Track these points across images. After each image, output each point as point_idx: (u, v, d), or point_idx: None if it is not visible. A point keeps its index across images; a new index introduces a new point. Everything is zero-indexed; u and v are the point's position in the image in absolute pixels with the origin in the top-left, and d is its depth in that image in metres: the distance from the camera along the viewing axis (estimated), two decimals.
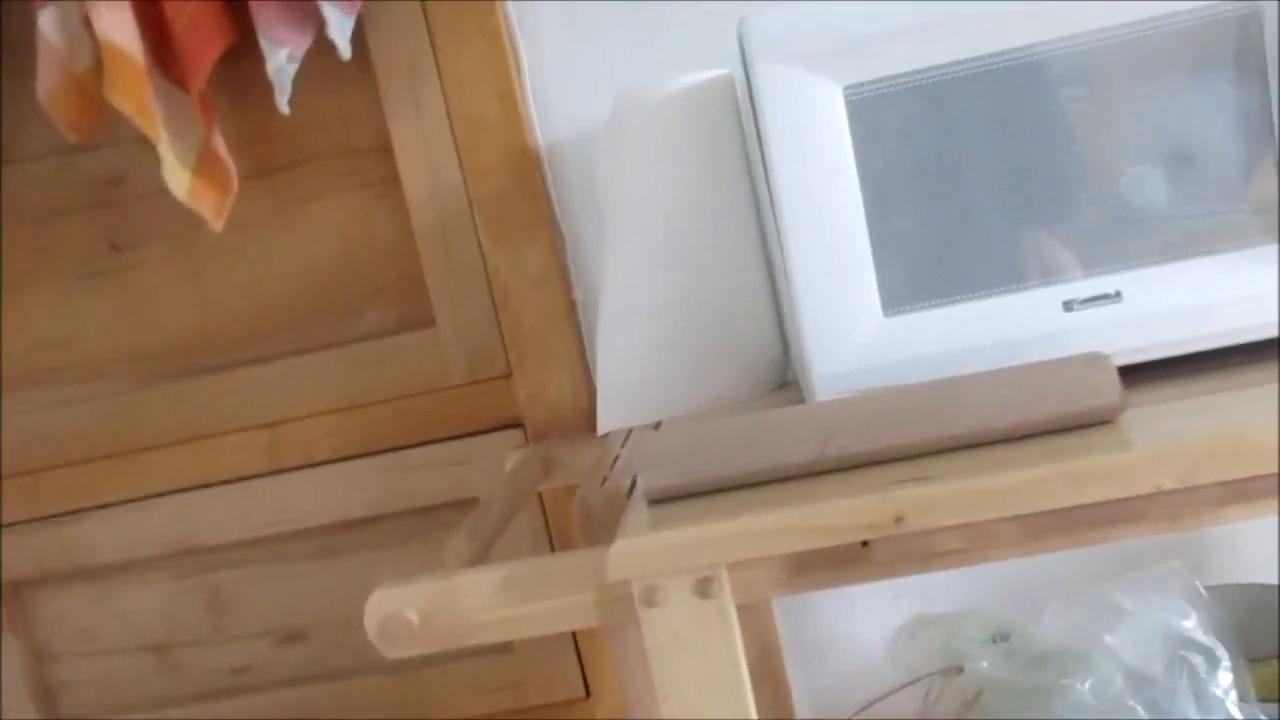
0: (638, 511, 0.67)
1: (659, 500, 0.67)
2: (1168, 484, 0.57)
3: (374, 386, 1.12)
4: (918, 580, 0.99)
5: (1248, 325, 0.68)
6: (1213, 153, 0.68)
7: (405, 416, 1.12)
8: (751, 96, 0.70)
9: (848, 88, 0.70)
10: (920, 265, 0.71)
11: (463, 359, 1.10)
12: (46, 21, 1.01)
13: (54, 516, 1.15)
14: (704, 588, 0.62)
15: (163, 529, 1.15)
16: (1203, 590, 0.88)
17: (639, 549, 0.61)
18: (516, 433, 1.11)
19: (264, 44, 0.99)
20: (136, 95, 0.98)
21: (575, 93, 1.07)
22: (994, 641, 0.93)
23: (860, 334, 0.71)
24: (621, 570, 0.62)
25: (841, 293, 0.71)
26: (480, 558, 0.79)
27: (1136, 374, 0.69)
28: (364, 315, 1.13)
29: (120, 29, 0.98)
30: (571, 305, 1.09)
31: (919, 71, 0.69)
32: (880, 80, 0.69)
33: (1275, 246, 0.68)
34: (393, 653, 0.68)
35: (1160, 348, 0.69)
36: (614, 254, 0.97)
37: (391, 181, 1.10)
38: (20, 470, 1.15)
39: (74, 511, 1.15)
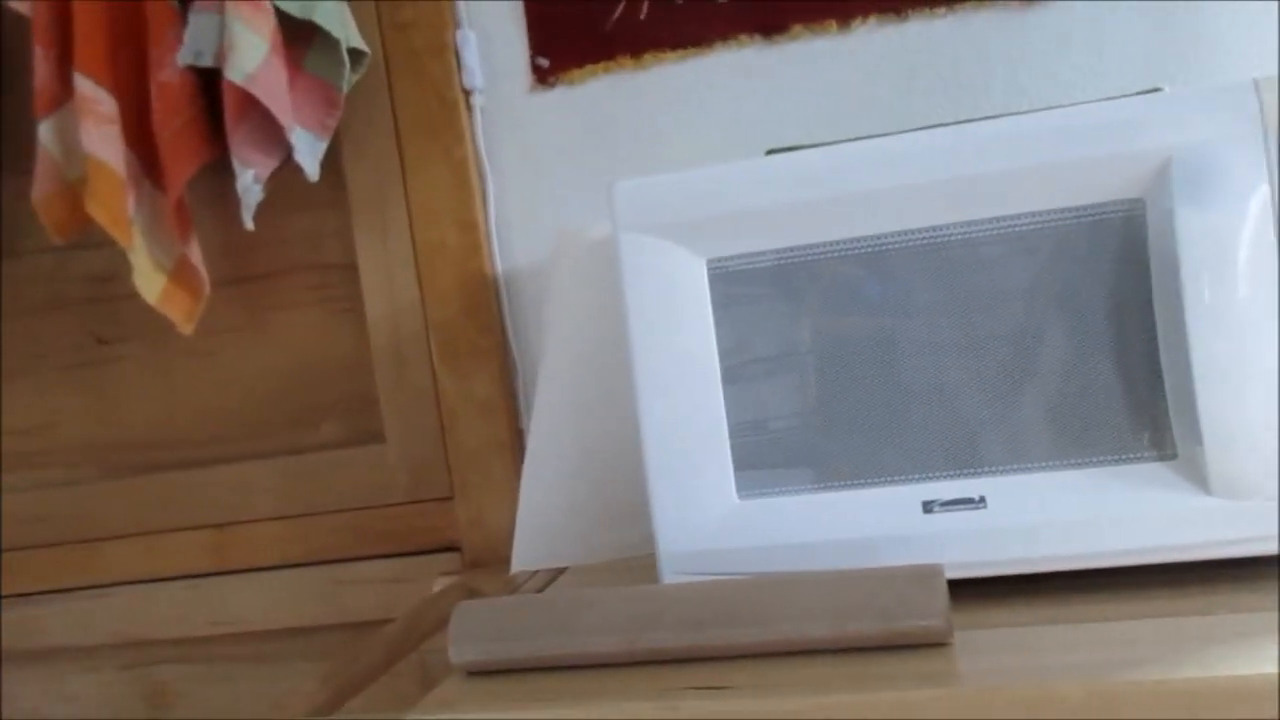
0: (451, 681, 0.65)
1: (474, 672, 0.65)
2: None
3: (321, 497, 1.13)
4: None
5: (1120, 548, 0.62)
6: (1095, 353, 0.63)
7: (348, 530, 1.12)
8: (618, 263, 0.69)
9: (711, 260, 0.68)
10: (778, 449, 0.68)
11: (407, 478, 1.10)
12: (45, 132, 1.07)
13: (13, 597, 1.19)
14: None
15: (112, 619, 1.17)
16: None
17: None
18: (454, 556, 1.10)
19: (235, 163, 1.03)
20: (112, 207, 1.03)
21: (537, 225, 1.08)
22: None
23: (712, 516, 0.68)
24: None
25: (696, 470, 0.68)
26: (333, 705, 0.78)
27: (995, 587, 0.64)
28: (319, 426, 1.14)
29: (105, 144, 1.03)
30: (518, 434, 1.09)
31: (787, 250, 0.67)
32: (746, 255, 0.67)
33: (1158, 465, 0.63)
34: None
35: (1022, 563, 0.64)
36: (543, 393, 0.96)
37: (355, 299, 1.12)
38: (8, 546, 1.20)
39: (33, 594, 1.18)
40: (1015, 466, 0.64)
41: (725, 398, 0.68)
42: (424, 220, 1.08)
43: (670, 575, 0.69)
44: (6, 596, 1.18)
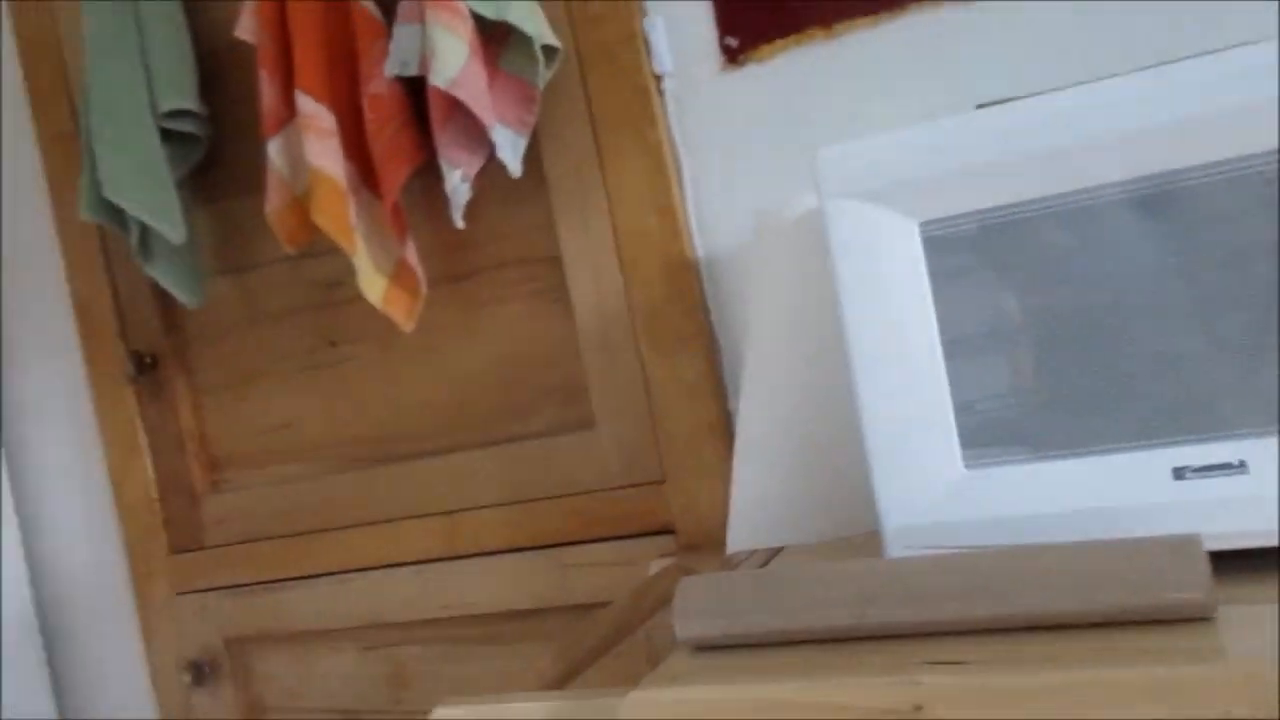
0: (677, 656, 0.66)
1: (701, 648, 0.65)
2: (1240, 712, 0.48)
3: (541, 483, 1.17)
4: None
5: None
6: None
7: (567, 514, 1.15)
8: (826, 234, 0.67)
9: (924, 224, 0.65)
10: (1007, 415, 0.65)
11: (619, 463, 1.13)
12: (274, 150, 1.15)
13: (267, 583, 1.29)
14: None
15: (355, 603, 1.25)
16: None
17: (649, 701, 0.60)
18: (670, 539, 1.11)
19: (442, 165, 1.07)
20: (336, 215, 1.10)
21: (736, 206, 1.07)
22: None
23: (938, 488, 0.66)
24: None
25: (919, 441, 0.66)
26: (566, 679, 0.80)
27: (1260, 560, 0.59)
28: (533, 415, 1.18)
29: (326, 157, 1.10)
30: (727, 416, 1.09)
31: (1001, 208, 0.64)
32: (959, 216, 0.65)
33: None
34: None
35: None
36: (750, 375, 0.96)
37: (561, 289, 1.15)
38: (241, 539, 1.30)
39: (282, 580, 1.28)
40: (1274, 429, 0.59)
41: (946, 362, 0.65)
42: (623, 208, 1.09)
43: (896, 550, 0.67)
44: (261, 583, 1.28)
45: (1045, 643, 0.55)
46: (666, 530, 1.11)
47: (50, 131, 1.35)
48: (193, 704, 1.35)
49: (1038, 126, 0.63)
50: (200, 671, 1.33)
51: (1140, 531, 0.60)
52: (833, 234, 0.67)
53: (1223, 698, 0.49)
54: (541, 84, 1.06)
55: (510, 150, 1.06)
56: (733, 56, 1.05)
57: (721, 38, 1.06)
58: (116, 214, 1.21)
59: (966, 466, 0.66)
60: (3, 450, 1.42)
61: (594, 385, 1.13)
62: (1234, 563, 0.60)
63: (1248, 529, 0.59)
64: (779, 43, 1.03)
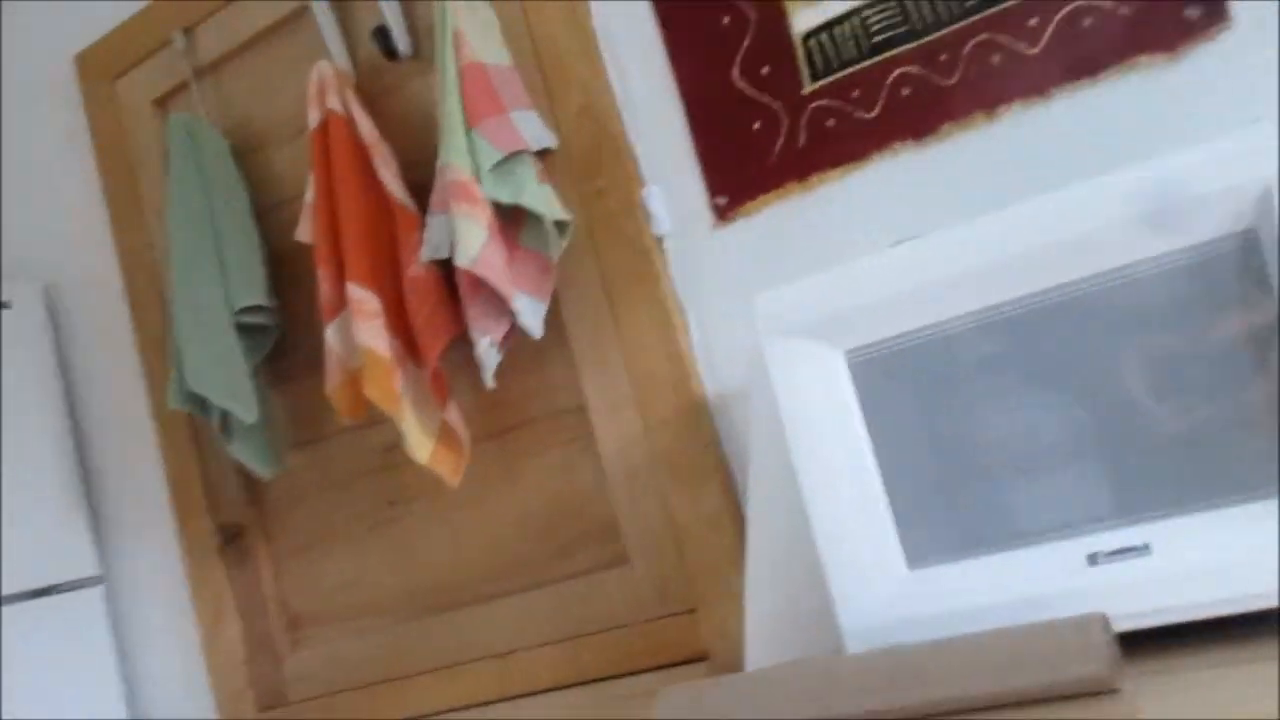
0: None
1: None
2: None
3: (585, 620, 1.24)
4: None
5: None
6: (1238, 384, 0.63)
7: (611, 648, 1.22)
8: (767, 369, 0.76)
9: (849, 351, 0.74)
10: (941, 519, 0.71)
11: (653, 595, 1.20)
12: (330, 334, 1.30)
13: None
14: None
15: None
16: None
17: None
18: (703, 666, 1.17)
19: (472, 334, 1.20)
20: (385, 387, 1.23)
21: (737, 346, 1.16)
22: None
23: (885, 589, 0.72)
24: None
25: (865, 549, 0.73)
26: None
27: (1167, 636, 0.64)
28: (573, 555, 1.27)
29: (374, 336, 1.24)
30: None
31: (919, 330, 0.72)
32: (881, 342, 0.73)
33: None
34: None
35: (1193, 609, 0.63)
36: (753, 503, 1.03)
37: (589, 437, 1.25)
38: (321, 693, 1.40)
39: None
40: (1176, 509, 0.64)
41: (883, 478, 0.72)
42: (636, 357, 1.20)
43: (854, 647, 0.73)
44: None
45: None
46: (701, 658, 1.17)
47: (146, 335, 1.54)
48: None
49: (945, 256, 0.72)
50: None
51: (1062, 614, 0.65)
52: (772, 368, 0.76)
53: None
54: (556, 255, 1.19)
55: (531, 316, 1.19)
56: (723, 214, 1.17)
57: (711, 198, 1.18)
58: (200, 402, 1.37)
59: (909, 568, 0.72)
60: (108, 614, 1.57)
61: (624, 524, 1.22)
62: (1149, 639, 0.64)
63: (1155, 606, 0.63)
64: (762, 198, 1.15)
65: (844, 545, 0.73)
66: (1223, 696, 0.56)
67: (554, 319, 1.24)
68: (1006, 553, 0.69)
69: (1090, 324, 0.67)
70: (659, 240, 1.20)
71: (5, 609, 1.46)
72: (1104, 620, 0.60)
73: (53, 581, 1.52)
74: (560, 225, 1.20)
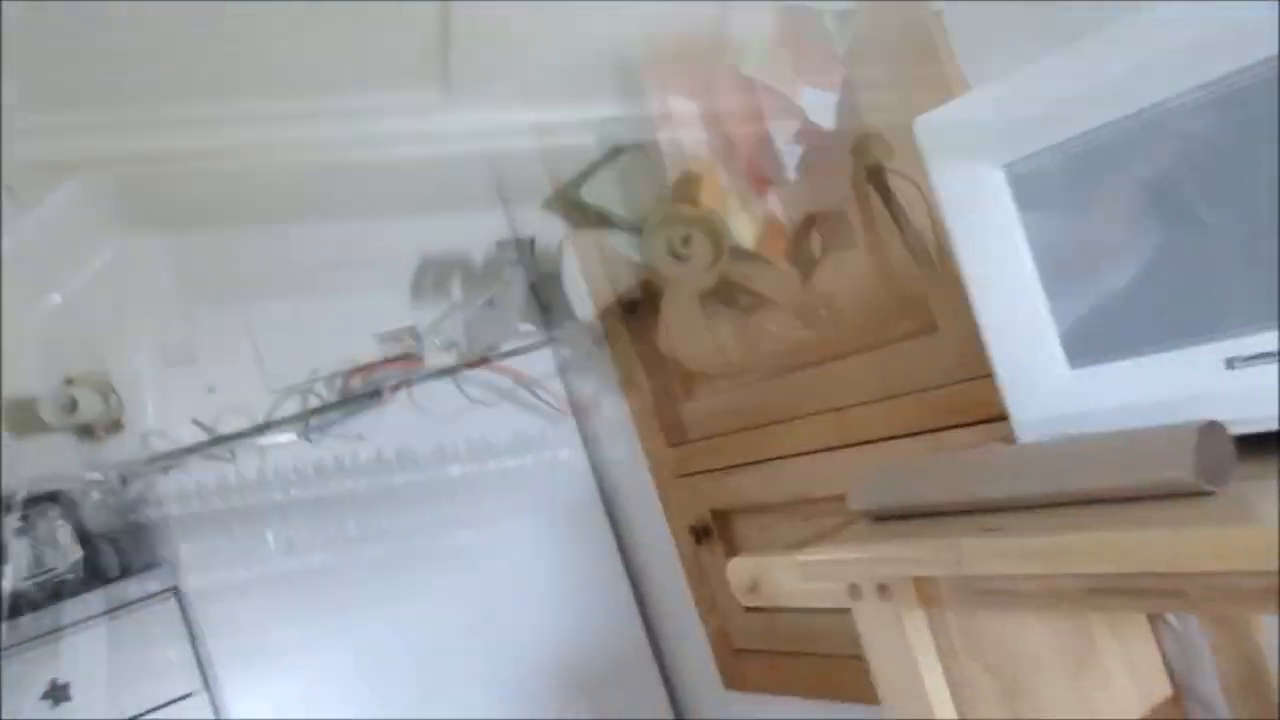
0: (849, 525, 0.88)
1: (879, 517, 0.87)
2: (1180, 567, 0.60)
3: (905, 381, 1.37)
4: None
5: None
6: None
7: (924, 406, 1.35)
8: (935, 186, 0.82)
9: (1008, 164, 0.77)
10: (1100, 322, 0.75)
11: (958, 361, 1.29)
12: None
13: (730, 468, 1.66)
14: (883, 593, 0.82)
15: (795, 482, 1.56)
16: None
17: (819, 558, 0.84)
18: (1004, 425, 1.25)
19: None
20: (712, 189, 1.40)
21: None
22: None
23: (1048, 386, 0.79)
24: (817, 572, 0.85)
25: (1028, 350, 0.79)
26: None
27: None
28: (897, 324, 1.38)
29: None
30: None
31: (1074, 138, 0.73)
32: (1037, 152, 0.76)
33: None
34: (743, 601, 1.00)
35: None
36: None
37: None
38: (712, 433, 1.68)
39: (740, 465, 1.64)
40: None
41: (1042, 281, 0.77)
42: None
43: (1026, 438, 0.81)
44: (725, 469, 1.66)
45: (1069, 515, 0.69)
46: (1003, 416, 1.25)
47: None
48: (699, 558, 1.79)
49: (1098, 58, 0.71)
50: (699, 533, 1.76)
51: (1201, 415, 0.69)
52: (938, 184, 0.82)
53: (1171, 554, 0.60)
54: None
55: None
56: None
57: None
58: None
59: (1072, 366, 0.78)
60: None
61: (933, 297, 1.30)
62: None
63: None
64: None
65: (1011, 347, 0.80)
66: None
67: None
68: (1151, 356, 0.72)
69: (1243, 132, 0.66)
70: None
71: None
72: (1203, 427, 0.63)
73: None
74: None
